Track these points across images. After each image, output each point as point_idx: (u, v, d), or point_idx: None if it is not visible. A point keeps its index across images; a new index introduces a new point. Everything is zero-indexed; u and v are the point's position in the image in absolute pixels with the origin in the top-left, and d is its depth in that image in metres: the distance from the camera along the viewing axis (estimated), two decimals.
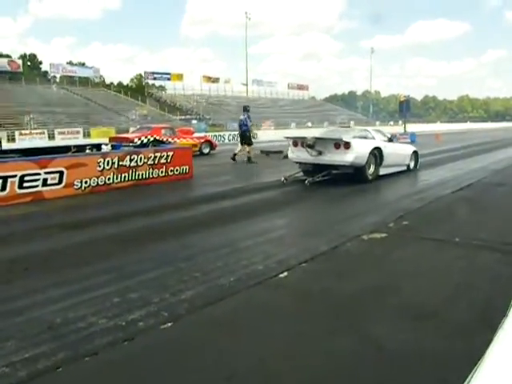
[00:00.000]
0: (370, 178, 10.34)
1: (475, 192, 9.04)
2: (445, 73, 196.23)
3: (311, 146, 10.26)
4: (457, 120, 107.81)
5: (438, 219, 6.67)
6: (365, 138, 11.02)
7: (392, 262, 4.73)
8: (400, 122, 58.72)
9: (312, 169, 10.52)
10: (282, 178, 10.54)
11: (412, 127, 46.85)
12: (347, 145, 9.86)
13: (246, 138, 15.28)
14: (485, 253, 4.95)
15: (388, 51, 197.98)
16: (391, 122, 71.63)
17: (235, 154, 15.78)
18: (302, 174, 10.93)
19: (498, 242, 5.27)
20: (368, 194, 9.31)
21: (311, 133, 14.22)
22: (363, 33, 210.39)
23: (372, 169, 10.44)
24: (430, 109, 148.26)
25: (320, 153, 10.17)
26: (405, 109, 36.46)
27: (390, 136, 12.44)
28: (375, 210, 7.56)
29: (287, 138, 11.72)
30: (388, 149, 11.00)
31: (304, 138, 10.61)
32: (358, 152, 9.96)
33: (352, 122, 58.21)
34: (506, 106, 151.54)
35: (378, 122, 62.79)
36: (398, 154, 11.87)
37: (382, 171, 10.80)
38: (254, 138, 17.25)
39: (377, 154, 10.48)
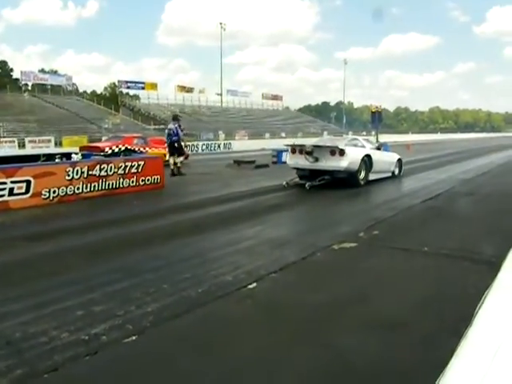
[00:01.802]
0: (362, 182, 11.25)
1: (444, 201, 9.18)
2: (416, 84, 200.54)
3: (309, 153, 11.04)
4: (428, 131, 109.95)
5: (407, 228, 6.73)
6: (355, 145, 11.85)
7: (361, 272, 4.72)
8: (373, 132, 59.51)
9: (309, 174, 11.32)
10: (284, 183, 11.37)
11: (384, 138, 47.51)
12: (342, 152, 10.74)
13: (176, 148, 14.40)
14: (453, 262, 5.00)
15: (361, 63, 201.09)
16: (364, 133, 72.43)
17: (173, 169, 14.43)
18: (298, 179, 11.71)
19: (466, 251, 5.33)
20: (341, 204, 9.36)
21: (285, 142, 14.48)
22: (338, 44, 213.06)
23: (363, 174, 11.36)
24: (401, 120, 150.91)
25: (317, 159, 11.01)
26: (377, 119, 36.85)
27: (377, 145, 13.73)
28: (347, 219, 7.59)
29: (287, 145, 12.54)
30: (377, 156, 11.99)
31: (303, 145, 11.48)
32: (351, 158, 10.85)
33: (325, 133, 58.86)
34: (474, 117, 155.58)
35: (350, 133, 63.41)
36: (385, 161, 12.89)
37: (371, 176, 11.68)
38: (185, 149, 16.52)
39: (367, 161, 11.41)
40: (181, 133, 14.58)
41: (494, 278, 1.57)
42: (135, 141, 18.62)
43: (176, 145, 14.34)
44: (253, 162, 17.66)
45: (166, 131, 14.92)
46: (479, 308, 1.37)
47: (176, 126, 14.45)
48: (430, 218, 7.53)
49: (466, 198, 9.63)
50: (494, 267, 1.96)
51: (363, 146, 12.01)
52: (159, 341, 3.19)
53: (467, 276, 4.44)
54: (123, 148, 17.55)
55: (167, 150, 15.03)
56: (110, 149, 17.31)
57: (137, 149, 17.84)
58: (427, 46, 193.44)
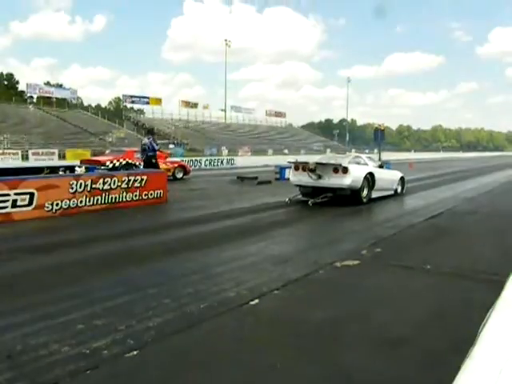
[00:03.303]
0: (364, 200, 11.22)
1: (446, 220, 9.17)
2: (419, 103, 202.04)
3: (312, 170, 11.07)
4: (430, 149, 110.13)
5: (409, 246, 6.71)
6: (358, 163, 11.86)
7: (364, 289, 4.71)
8: (375, 150, 59.62)
9: (312, 191, 11.33)
10: (287, 199, 11.36)
11: (387, 155, 47.57)
12: (345, 169, 10.77)
13: (152, 164, 13.58)
14: (456, 280, 4.99)
15: (365, 81, 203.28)
16: (366, 150, 72.59)
17: None
18: (301, 196, 11.76)
19: (469, 270, 5.33)
20: (344, 221, 9.35)
21: (288, 159, 14.50)
22: (342, 62, 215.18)
23: (366, 192, 11.35)
24: (404, 138, 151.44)
25: (320, 176, 11.05)
26: (379, 137, 36.95)
27: (380, 162, 13.76)
28: (349, 236, 7.57)
29: (290, 162, 12.54)
30: (379, 174, 12.03)
31: (306, 162, 11.47)
32: (354, 176, 10.87)
33: (328, 150, 59.00)
34: (477, 136, 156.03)
35: (353, 150, 63.60)
36: (388, 179, 12.92)
37: (374, 194, 11.68)
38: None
39: (369, 179, 11.41)
40: (156, 147, 13.91)
41: (497, 296, 1.57)
42: (136, 155, 18.66)
43: (153, 160, 13.69)
44: (256, 178, 17.70)
45: (141, 146, 14.22)
46: (483, 326, 1.37)
47: (151, 140, 13.78)
48: (433, 236, 7.51)
49: (469, 216, 9.61)
50: (496, 285, 1.96)
51: (366, 164, 12.03)
52: (160, 356, 3.18)
53: (470, 294, 4.43)
54: (124, 162, 17.60)
55: (143, 165, 14.33)
56: (111, 163, 17.36)
57: (138, 163, 17.89)
58: (431, 65, 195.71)
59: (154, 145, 13.68)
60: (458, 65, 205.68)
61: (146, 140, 14.02)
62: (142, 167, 14.39)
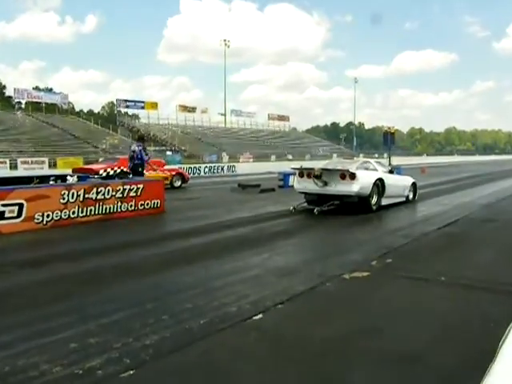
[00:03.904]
0: (374, 207, 11.20)
1: (462, 228, 9.16)
2: (431, 104, 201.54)
3: (318, 177, 11.04)
4: (444, 153, 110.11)
5: (423, 257, 6.71)
6: (367, 169, 11.90)
7: (374, 303, 4.71)
8: (385, 154, 59.68)
9: (317, 199, 11.32)
10: (291, 208, 11.35)
11: (397, 160, 47.58)
12: (353, 175, 10.72)
13: (137, 173, 13.28)
14: (472, 292, 4.98)
15: (373, 81, 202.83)
16: (376, 155, 72.72)
17: None
18: (306, 204, 11.71)
19: (487, 282, 5.31)
20: (352, 230, 9.35)
21: (292, 165, 14.52)
22: (348, 62, 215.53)
23: (375, 199, 11.31)
24: (416, 141, 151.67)
25: (326, 183, 11.01)
26: (389, 141, 37.05)
27: (390, 168, 13.76)
28: (358, 246, 7.57)
29: (294, 168, 12.55)
30: (389, 180, 11.98)
31: (311, 169, 11.44)
32: (362, 183, 10.82)
33: (335, 155, 59.05)
34: (494, 138, 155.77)
35: (361, 155, 63.69)
36: (399, 185, 12.86)
37: (384, 201, 11.65)
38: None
39: (379, 185, 11.37)
40: (145, 156, 13.60)
41: None
42: None
43: (140, 169, 13.45)
44: (258, 185, 17.71)
45: (129, 153, 13.95)
46: (503, 342, 1.36)
47: (140, 148, 13.52)
48: (448, 246, 7.50)
49: (486, 224, 9.58)
50: None
51: (375, 170, 12.03)
52: (158, 375, 3.18)
53: (488, 307, 4.42)
54: (118, 170, 17.65)
55: (131, 174, 13.82)
56: (105, 171, 17.41)
57: None
58: (443, 64, 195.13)
59: (143, 154, 13.46)
60: (474, 62, 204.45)
61: (135, 147, 13.75)
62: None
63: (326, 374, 3.17)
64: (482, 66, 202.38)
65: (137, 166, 13.46)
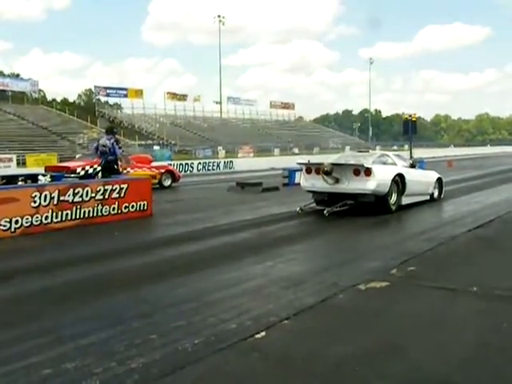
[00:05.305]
0: (393, 208, 11.14)
1: (497, 230, 9.16)
2: (460, 87, 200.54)
3: (328, 173, 10.92)
4: (474, 143, 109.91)
5: (451, 264, 6.70)
6: (385, 163, 11.83)
7: (394, 317, 4.70)
8: (406, 146, 59.72)
9: (328, 198, 11.26)
10: (298, 209, 11.38)
11: (420, 152, 47.63)
12: (368, 171, 10.63)
13: (111, 169, 13.28)
14: (510, 305, 4.97)
15: (392, 62, 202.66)
16: (395, 147, 72.73)
17: None
18: (315, 204, 11.71)
19: None
20: (368, 234, 9.37)
21: (298, 160, 14.53)
22: (362, 40, 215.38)
23: (394, 198, 11.25)
24: (441, 130, 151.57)
25: (337, 180, 10.95)
26: (410, 131, 37.05)
27: (412, 161, 13.55)
28: (375, 252, 7.57)
29: (300, 163, 12.58)
30: (411, 176, 11.87)
31: (320, 163, 11.37)
32: (379, 179, 10.73)
33: (347, 147, 59.06)
34: None
35: (378, 147, 63.62)
36: (422, 181, 12.80)
37: (405, 201, 11.57)
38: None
39: (399, 182, 11.29)
40: (118, 150, 13.68)
41: None
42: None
43: (114, 166, 13.49)
44: (259, 184, 17.73)
45: (100, 148, 13.80)
46: None
47: (112, 141, 13.51)
48: (480, 251, 7.50)
49: None
50: None
51: (394, 164, 12.02)
52: None
53: None
54: (98, 168, 17.68)
55: (100, 172, 14.17)
56: (83, 169, 17.42)
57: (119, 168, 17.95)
58: (474, 40, 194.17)
59: (117, 148, 13.43)
60: (510, 37, 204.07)
61: (105, 140, 13.64)
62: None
63: None
64: None
65: (111, 162, 13.42)
